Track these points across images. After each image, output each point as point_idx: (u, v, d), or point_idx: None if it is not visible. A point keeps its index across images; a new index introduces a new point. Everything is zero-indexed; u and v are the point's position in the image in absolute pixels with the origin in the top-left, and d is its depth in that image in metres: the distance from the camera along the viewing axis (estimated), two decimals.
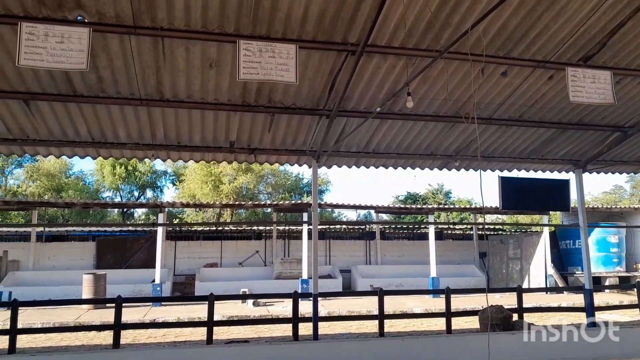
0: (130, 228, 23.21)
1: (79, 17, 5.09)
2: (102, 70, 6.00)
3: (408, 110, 7.18)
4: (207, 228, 21.71)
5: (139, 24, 5.28)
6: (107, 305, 13.80)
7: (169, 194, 44.51)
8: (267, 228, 21.23)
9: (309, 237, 16.43)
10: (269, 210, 24.91)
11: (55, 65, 4.38)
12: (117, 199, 32.64)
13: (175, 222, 28.86)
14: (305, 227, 17.11)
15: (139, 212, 34.78)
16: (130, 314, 12.64)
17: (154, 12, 5.16)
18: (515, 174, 9.86)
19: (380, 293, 9.93)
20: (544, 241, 18.42)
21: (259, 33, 5.47)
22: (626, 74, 6.84)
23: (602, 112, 8.08)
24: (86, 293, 14.74)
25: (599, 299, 14.52)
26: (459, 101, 7.34)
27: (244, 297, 10.89)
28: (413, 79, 5.96)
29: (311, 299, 8.71)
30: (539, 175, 9.85)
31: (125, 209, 31.67)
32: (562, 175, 10.09)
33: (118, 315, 8.82)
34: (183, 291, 18.24)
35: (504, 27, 5.75)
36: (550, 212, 20.80)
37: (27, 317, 12.58)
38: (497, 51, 6.15)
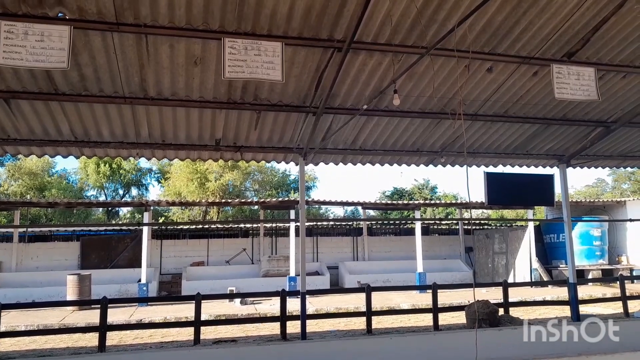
0: (116, 227, 22.95)
1: (59, 14, 4.99)
2: (85, 68, 5.90)
3: (394, 107, 7.17)
4: (194, 226, 21.56)
5: (122, 20, 5.18)
6: (93, 306, 13.63)
7: (154, 192, 44.21)
8: (254, 225, 21.14)
9: (297, 235, 16.41)
10: (256, 207, 24.82)
11: (35, 64, 4.28)
12: (102, 198, 32.26)
13: (161, 220, 28.59)
14: (292, 225, 17.08)
15: (124, 211, 34.43)
16: (116, 315, 12.50)
17: (137, 8, 5.08)
18: (500, 169, 9.96)
19: (367, 290, 9.94)
20: (529, 235, 18.62)
21: (244, 30, 5.41)
22: (609, 70, 6.93)
23: (586, 108, 8.18)
24: (71, 294, 14.52)
25: (583, 291, 14.73)
26: (445, 97, 7.37)
27: (231, 296, 10.83)
28: (399, 76, 5.96)
29: (299, 296, 8.71)
30: (524, 170, 9.96)
31: (110, 208, 31.35)
32: (547, 170, 10.21)
33: (103, 316, 8.71)
34: (170, 290, 18.09)
35: (489, 23, 5.78)
36: (535, 206, 21.02)
37: (11, 319, 12.35)
38: (482, 47, 6.19)
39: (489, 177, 8.86)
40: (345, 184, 62.63)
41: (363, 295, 9.73)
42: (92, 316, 12.06)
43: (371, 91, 6.97)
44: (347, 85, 6.86)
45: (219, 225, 21.30)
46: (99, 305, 8.83)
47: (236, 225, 21.51)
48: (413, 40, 5.87)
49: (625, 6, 5.69)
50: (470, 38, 5.77)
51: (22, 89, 6.21)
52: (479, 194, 36.20)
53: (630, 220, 13.82)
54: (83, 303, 14.01)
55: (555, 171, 10.11)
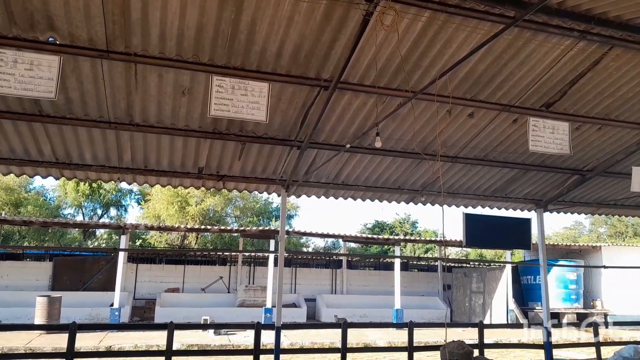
0: (91, 247, 22.49)
1: (50, 39, 5.02)
2: (71, 92, 5.88)
3: (377, 147, 7.27)
4: (171, 252, 21.26)
5: (112, 48, 5.22)
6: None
7: (134, 214, 43.59)
8: (233, 253, 20.95)
9: (276, 264, 16.27)
10: (236, 235, 24.64)
11: (23, 92, 4.26)
12: (79, 217, 31.67)
13: (139, 243, 28.08)
14: (271, 255, 16.97)
15: (101, 231, 33.79)
16: (85, 340, 12.14)
17: (129, 38, 5.13)
18: (479, 210, 10.07)
19: (343, 326, 9.86)
20: (506, 276, 18.75)
21: (234, 64, 5.49)
22: (585, 121, 7.13)
23: (563, 156, 8.40)
24: (39, 316, 14.08)
25: (558, 335, 14.80)
26: (427, 140, 7.47)
27: (204, 326, 10.62)
28: (382, 120, 6.07)
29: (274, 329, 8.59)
30: (502, 213, 10.10)
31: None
32: (524, 214, 10.37)
33: (71, 342, 8.44)
34: (143, 316, 17.67)
35: (471, 72, 5.95)
36: (513, 249, 21.24)
37: None
38: (464, 93, 6.34)
39: (468, 218, 8.96)
40: (327, 214, 62.71)
41: (339, 331, 9.64)
42: (59, 340, 11.70)
43: (355, 129, 7.07)
44: (332, 122, 6.95)
45: (197, 252, 21.07)
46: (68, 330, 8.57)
47: (214, 253, 21.28)
48: (397, 83, 6.00)
49: (601, 63, 5.92)
50: (452, 85, 5.93)
51: (6, 109, 6.16)
52: (458, 232, 36.53)
53: (605, 267, 14.05)
54: (51, 328, 13.59)
55: (532, 215, 10.29)
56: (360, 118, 6.81)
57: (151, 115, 6.48)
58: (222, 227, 21.52)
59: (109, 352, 10.46)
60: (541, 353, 10.63)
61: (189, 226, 21.67)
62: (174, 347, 9.21)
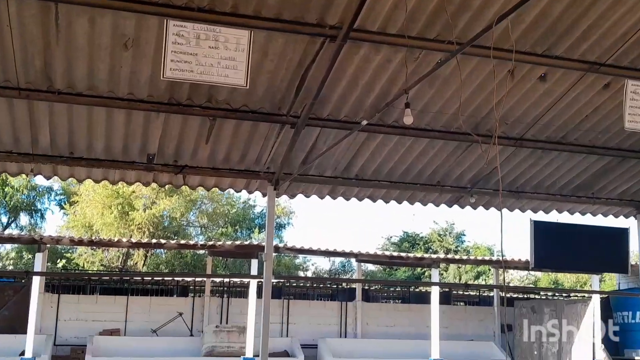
0: None
1: None
2: None
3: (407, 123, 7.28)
4: (108, 278, 21.27)
5: None
6: None
7: (54, 222, 43.54)
8: (198, 279, 20.95)
9: (259, 295, 16.27)
10: (203, 252, 24.63)
11: None
12: None
13: (61, 264, 28.09)
14: (253, 282, 16.97)
15: (7, 247, 33.90)
16: None
17: None
18: (553, 217, 10.07)
19: None
20: (593, 312, 18.69)
21: (199, 4, 5.48)
22: None
23: None
24: None
25: None
26: (478, 113, 7.53)
27: None
28: (415, 85, 6.06)
29: None
30: (588, 220, 10.08)
31: None
32: (620, 222, 10.36)
33: None
34: None
35: (543, 15, 5.88)
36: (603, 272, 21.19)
37: None
38: (533, 47, 6.33)
39: (538, 228, 8.99)
40: (334, 223, 62.65)
41: None
42: None
43: (375, 99, 7.10)
44: (342, 89, 6.97)
45: (145, 278, 21.07)
46: None
47: (170, 279, 21.28)
48: (436, 32, 5.99)
49: None
50: (516, 34, 5.85)
51: None
52: (524, 249, 36.44)
53: None
54: None
55: (632, 223, 10.26)
56: (383, 82, 6.83)
57: (78, 78, 6.50)
58: (183, 242, 21.48)
59: None
60: None
61: (134, 240, 21.63)
62: None
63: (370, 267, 32.49)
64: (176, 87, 6.77)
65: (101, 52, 6.12)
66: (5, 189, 31.70)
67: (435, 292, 18.40)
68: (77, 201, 29.41)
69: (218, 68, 5.09)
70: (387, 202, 9.55)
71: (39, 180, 32.44)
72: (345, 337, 20.56)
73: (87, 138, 7.64)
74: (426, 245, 37.67)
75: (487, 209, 9.83)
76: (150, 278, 21.15)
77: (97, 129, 7.49)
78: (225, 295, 20.42)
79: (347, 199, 9.46)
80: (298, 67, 6.51)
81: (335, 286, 23.05)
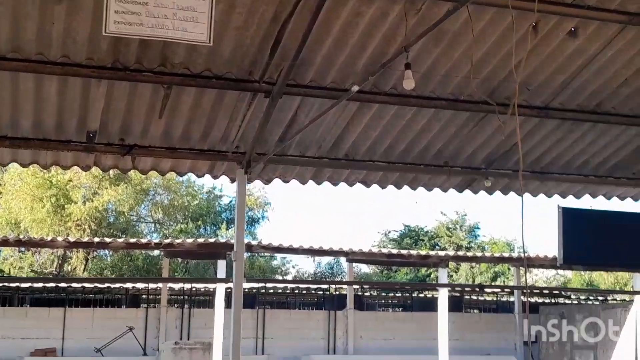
0: None
1: None
2: None
3: (407, 90, 7.24)
4: (40, 284, 21.21)
5: None
6: None
7: None
8: (152, 285, 20.96)
9: (227, 305, 16.31)
10: (157, 253, 24.60)
11: None
12: None
13: None
14: (220, 287, 17.00)
15: None
16: None
17: None
18: (586, 202, 10.12)
19: None
20: (636, 318, 18.93)
21: None
22: None
23: None
24: None
25: None
26: (495, 77, 7.46)
27: None
28: (417, 41, 6.03)
29: None
30: (627, 206, 10.15)
31: None
32: None
33: None
34: None
35: None
36: None
37: None
38: None
39: (567, 216, 9.01)
40: (319, 215, 62.74)
41: None
42: None
43: (368, 60, 7.00)
44: (327, 49, 6.85)
45: (87, 285, 21.00)
46: None
47: (118, 285, 21.24)
48: None
49: None
50: None
51: None
52: (551, 244, 36.66)
53: None
54: None
55: None
56: (377, 40, 6.74)
57: (2, 38, 6.41)
58: (133, 241, 21.46)
59: None
60: None
61: (71, 239, 21.56)
62: None
63: (364, 268, 32.67)
64: (122, 47, 6.63)
65: (28, 5, 5.99)
66: None
67: (443, 297, 18.51)
68: (1, 192, 29.22)
69: (174, 20, 5.02)
70: (383, 187, 9.55)
71: None
72: (334, 353, 20.72)
73: (12, 112, 7.57)
74: (432, 241, 37.87)
75: (505, 194, 9.86)
76: (92, 285, 21.06)
77: (24, 100, 7.41)
78: (185, 305, 20.49)
79: (335, 184, 9.46)
80: (273, 22, 6.37)
81: (321, 292, 23.14)
